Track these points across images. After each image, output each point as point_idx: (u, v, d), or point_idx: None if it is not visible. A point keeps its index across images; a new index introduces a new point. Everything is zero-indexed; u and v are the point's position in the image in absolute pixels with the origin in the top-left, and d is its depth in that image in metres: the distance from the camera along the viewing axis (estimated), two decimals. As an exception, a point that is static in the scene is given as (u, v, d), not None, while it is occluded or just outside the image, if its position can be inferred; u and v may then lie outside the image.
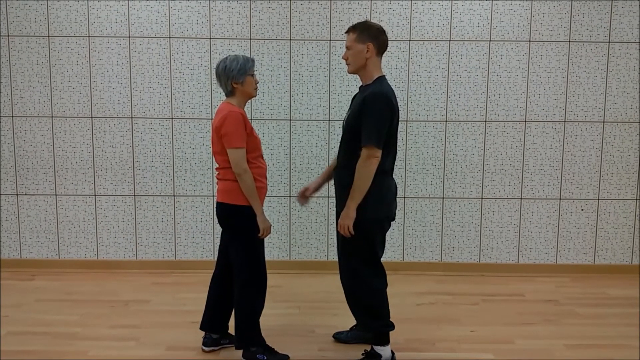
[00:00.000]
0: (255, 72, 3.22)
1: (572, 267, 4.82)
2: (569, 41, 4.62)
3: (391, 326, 3.23)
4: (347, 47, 3.11)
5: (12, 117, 4.66)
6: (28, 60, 4.62)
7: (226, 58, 3.15)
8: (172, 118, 4.66)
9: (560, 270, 4.81)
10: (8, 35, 4.59)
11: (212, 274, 3.45)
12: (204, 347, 3.39)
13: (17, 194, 4.75)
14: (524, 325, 3.82)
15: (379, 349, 3.21)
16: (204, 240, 4.79)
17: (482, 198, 4.77)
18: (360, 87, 3.18)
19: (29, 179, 4.73)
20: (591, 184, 4.76)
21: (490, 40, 4.61)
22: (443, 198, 4.78)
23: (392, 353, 3.25)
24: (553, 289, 4.49)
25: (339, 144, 3.27)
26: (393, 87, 4.57)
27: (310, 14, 4.58)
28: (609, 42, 4.61)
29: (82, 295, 4.27)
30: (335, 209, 3.31)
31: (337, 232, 3.18)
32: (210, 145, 4.66)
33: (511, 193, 4.77)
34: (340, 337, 3.56)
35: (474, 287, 4.53)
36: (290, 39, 4.60)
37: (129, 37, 4.60)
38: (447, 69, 4.65)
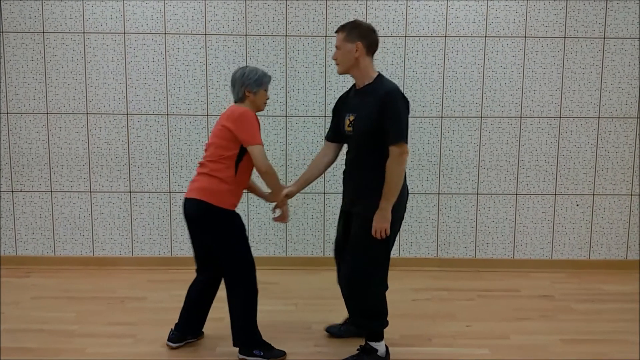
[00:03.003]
0: (267, 89, 3.28)
1: (567, 263, 4.84)
2: (565, 37, 4.62)
3: (387, 324, 3.24)
4: (336, 47, 3.10)
5: (7, 113, 4.65)
6: (23, 57, 4.60)
7: (246, 67, 3.24)
8: (167, 114, 4.66)
9: (556, 266, 4.83)
10: (2, 32, 4.57)
11: (193, 280, 3.44)
12: (171, 344, 3.40)
13: (12, 191, 4.74)
14: (519, 321, 3.84)
15: (374, 344, 3.22)
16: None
17: (477, 194, 4.78)
18: (357, 89, 3.13)
19: (24, 176, 4.72)
20: (586, 179, 4.77)
21: (485, 36, 4.61)
22: (439, 194, 4.78)
23: (386, 347, 3.26)
24: (548, 285, 4.51)
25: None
26: (389, 83, 4.60)
27: (306, 10, 4.57)
28: (604, 38, 4.62)
29: (78, 292, 4.27)
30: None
31: (343, 231, 3.20)
32: (206, 142, 4.67)
33: (507, 189, 4.78)
34: (333, 331, 3.58)
35: (469, 282, 4.54)
36: (286, 35, 4.59)
37: (124, 33, 4.58)
38: (442, 65, 4.65)
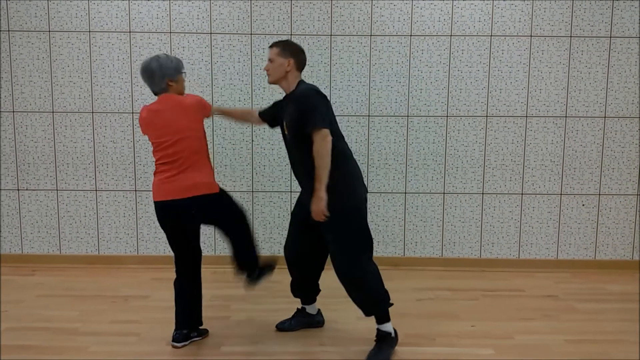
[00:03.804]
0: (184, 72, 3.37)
1: (572, 263, 4.82)
2: (570, 36, 4.60)
3: (391, 302, 3.33)
4: (269, 60, 3.33)
5: (13, 112, 4.67)
6: (29, 56, 4.62)
7: (158, 56, 3.27)
8: (172, 113, 4.66)
9: (561, 266, 4.81)
10: (9, 30, 4.58)
11: (177, 273, 3.49)
12: (176, 344, 3.41)
13: (18, 189, 4.76)
14: (523, 321, 3.83)
15: (385, 327, 3.32)
16: (204, 236, 4.80)
17: (483, 193, 4.77)
18: (285, 97, 3.38)
19: (30, 174, 4.74)
20: (592, 179, 4.75)
21: (491, 35, 4.60)
22: (444, 193, 4.77)
23: (393, 329, 3.36)
24: (553, 285, 4.49)
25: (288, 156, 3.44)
26: (394, 82, 4.61)
27: (311, 9, 4.57)
28: (610, 37, 4.60)
29: (82, 291, 4.28)
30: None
31: (324, 227, 3.22)
32: (211, 141, 4.67)
33: (512, 188, 4.76)
34: (284, 327, 3.64)
35: (474, 282, 4.53)
36: (291, 34, 4.59)
37: (130, 32, 4.59)
38: (448, 64, 4.64)
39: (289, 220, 4.75)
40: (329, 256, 3.44)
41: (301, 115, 3.13)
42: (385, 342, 3.32)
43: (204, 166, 3.29)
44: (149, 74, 3.24)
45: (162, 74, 3.23)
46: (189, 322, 3.45)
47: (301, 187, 3.40)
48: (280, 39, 4.58)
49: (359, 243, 3.23)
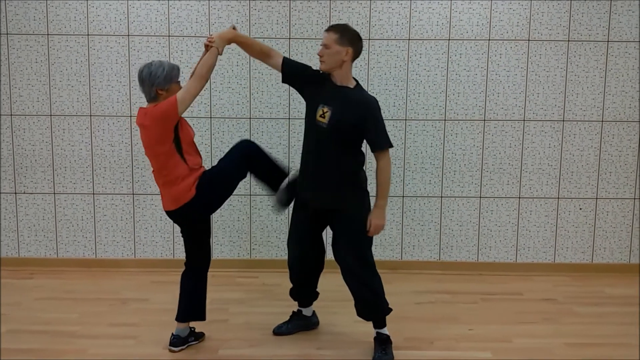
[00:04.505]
0: (179, 80, 3.25)
1: (570, 266, 4.83)
2: (568, 40, 4.62)
3: (390, 308, 3.40)
4: (324, 45, 3.16)
5: (11, 115, 4.66)
6: (27, 59, 4.62)
7: (151, 63, 3.19)
8: (171, 116, 4.66)
9: (559, 269, 4.82)
10: (7, 34, 4.58)
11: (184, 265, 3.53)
12: (173, 348, 3.40)
13: (15, 193, 4.75)
14: (522, 324, 3.83)
15: (384, 330, 3.37)
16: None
17: (480, 197, 4.78)
18: (335, 85, 3.22)
19: (27, 178, 4.73)
20: (589, 183, 4.77)
21: (489, 40, 4.62)
22: (441, 197, 4.78)
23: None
24: (551, 288, 4.50)
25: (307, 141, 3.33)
26: (392, 86, 4.62)
27: (310, 13, 4.58)
28: (607, 41, 4.62)
29: (80, 294, 4.27)
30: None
31: (345, 226, 3.25)
32: (209, 144, 4.68)
33: (509, 192, 4.77)
34: (281, 331, 3.63)
35: (472, 285, 4.53)
36: (289, 38, 4.60)
37: (128, 35, 4.60)
38: (446, 68, 4.65)
39: (287, 223, 4.75)
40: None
41: (362, 122, 3.15)
42: (387, 344, 3.35)
43: (176, 178, 3.20)
44: (140, 82, 3.20)
45: (150, 82, 3.15)
46: (186, 315, 3.44)
47: (306, 178, 3.31)
48: (279, 42, 4.59)
49: (368, 246, 3.32)
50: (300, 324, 3.68)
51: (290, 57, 4.55)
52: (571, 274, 4.77)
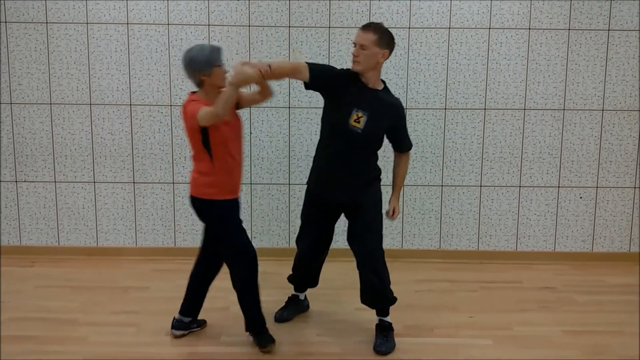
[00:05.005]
0: (223, 62, 3.11)
1: (570, 255, 4.84)
2: (569, 29, 4.61)
3: (395, 297, 3.45)
4: (361, 46, 3.05)
5: (11, 104, 4.65)
6: (26, 47, 4.60)
7: (192, 48, 3.08)
8: (171, 105, 4.66)
9: (559, 258, 4.83)
10: (6, 22, 4.56)
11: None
12: (175, 332, 3.42)
13: (16, 181, 4.75)
14: (522, 312, 3.85)
15: (387, 318, 3.42)
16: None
17: (481, 186, 4.78)
18: (367, 89, 3.14)
19: (28, 166, 4.73)
20: (590, 171, 4.77)
21: (490, 28, 4.60)
22: (442, 186, 4.78)
23: None
24: (551, 277, 4.51)
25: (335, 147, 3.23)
26: (393, 75, 4.62)
27: (310, 1, 4.56)
28: (608, 30, 4.60)
29: (82, 282, 4.28)
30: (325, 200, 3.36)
31: (366, 210, 3.28)
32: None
33: (510, 181, 4.78)
34: (283, 318, 3.66)
35: (472, 274, 4.55)
36: (289, 26, 4.59)
37: (128, 23, 4.58)
38: (446, 56, 4.64)
39: (287, 211, 4.77)
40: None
41: (393, 126, 3.24)
42: (390, 331, 3.38)
43: (199, 169, 3.16)
44: (184, 68, 3.09)
45: (192, 68, 3.04)
46: (188, 309, 3.46)
47: (329, 180, 3.28)
48: (279, 30, 4.57)
49: (382, 233, 3.38)
50: (297, 309, 3.75)
51: (291, 48, 4.57)
52: (571, 263, 4.79)
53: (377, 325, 3.41)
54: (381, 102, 3.15)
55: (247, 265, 3.24)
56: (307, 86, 3.12)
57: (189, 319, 3.46)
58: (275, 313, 3.69)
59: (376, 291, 3.33)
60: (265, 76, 2.93)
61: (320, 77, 3.11)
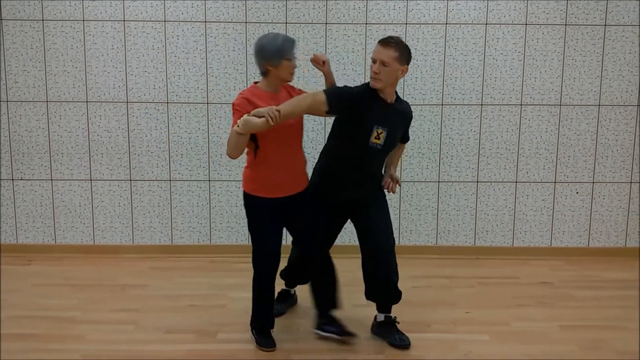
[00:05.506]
0: (294, 57, 3.04)
1: (566, 250, 4.86)
2: (565, 24, 4.61)
3: None
4: (382, 62, 2.99)
5: (7, 101, 4.64)
6: (22, 45, 4.59)
7: (266, 35, 3.03)
8: (167, 102, 4.65)
9: (555, 253, 4.85)
10: (1, 19, 4.55)
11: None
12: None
13: (12, 179, 4.74)
14: (519, 308, 3.86)
15: (390, 313, 3.44)
16: (200, 225, 4.80)
17: (477, 181, 4.79)
18: (386, 104, 3.12)
19: (24, 164, 4.72)
20: (586, 167, 4.78)
21: (486, 24, 4.60)
22: (439, 182, 4.79)
23: None
24: (548, 272, 4.52)
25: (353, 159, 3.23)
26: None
27: (306, -3, 4.56)
28: (605, 25, 4.61)
29: (79, 280, 4.28)
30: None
31: (373, 218, 3.31)
32: (206, 130, 4.67)
33: (506, 176, 4.79)
34: (277, 311, 3.63)
35: (469, 270, 4.56)
36: (286, 22, 4.58)
37: (124, 20, 4.57)
38: (443, 52, 4.64)
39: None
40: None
41: (407, 127, 3.39)
42: (395, 326, 3.42)
43: (247, 160, 3.16)
44: (253, 54, 3.03)
45: (260, 56, 2.99)
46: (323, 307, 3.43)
47: (346, 187, 3.27)
48: (275, 27, 4.56)
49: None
50: (289, 302, 3.82)
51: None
52: (567, 258, 4.80)
53: (382, 322, 3.42)
54: (397, 113, 3.19)
55: (258, 265, 3.24)
56: (327, 113, 3.07)
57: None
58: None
59: (394, 287, 3.37)
60: (274, 122, 2.86)
61: (339, 105, 3.04)
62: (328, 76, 3.34)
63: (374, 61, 3.04)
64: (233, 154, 2.96)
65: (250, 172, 3.15)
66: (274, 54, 2.97)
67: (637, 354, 3.28)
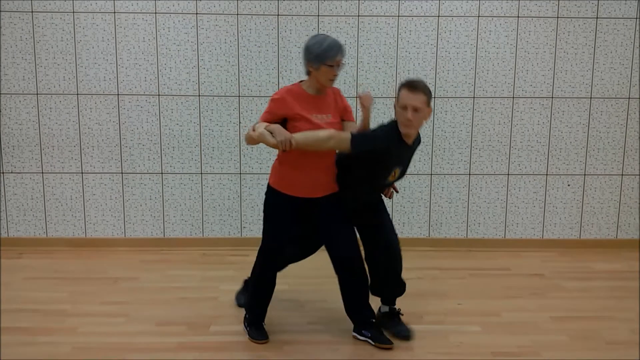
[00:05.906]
0: (338, 64, 2.97)
1: (558, 242, 4.88)
2: (557, 17, 4.62)
3: None
4: (415, 109, 2.90)
5: (-3, 94, 4.61)
6: (11, 37, 4.55)
7: (315, 36, 3.02)
8: (158, 95, 4.63)
9: (547, 245, 4.86)
10: (-9, 11, 4.52)
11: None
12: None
13: (2, 172, 4.71)
14: (510, 299, 3.87)
15: (395, 306, 3.46)
16: (192, 218, 4.79)
17: (469, 174, 4.80)
18: (406, 146, 3.06)
19: (14, 157, 4.69)
20: (577, 159, 4.79)
21: (478, 16, 4.60)
22: (431, 174, 4.79)
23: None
24: (539, 264, 4.54)
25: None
26: (382, 63, 4.61)
27: (298, -11, 4.54)
28: (596, 18, 4.62)
29: (70, 273, 4.26)
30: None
31: (381, 212, 3.38)
32: (198, 122, 4.66)
33: (498, 169, 4.79)
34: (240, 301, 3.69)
35: (461, 262, 4.57)
36: (278, 14, 4.56)
37: (114, 12, 4.54)
38: (435, 45, 4.63)
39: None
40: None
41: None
42: (399, 316, 3.45)
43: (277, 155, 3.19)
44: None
45: (304, 56, 2.99)
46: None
47: (361, 204, 3.33)
48: (267, 19, 4.54)
49: None
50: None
51: (279, 37, 4.55)
52: (559, 250, 4.82)
53: (386, 313, 3.43)
54: (411, 149, 3.17)
55: (263, 259, 3.26)
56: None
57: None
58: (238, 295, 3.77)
59: (401, 281, 3.39)
60: (285, 149, 2.86)
61: (362, 150, 3.01)
62: (366, 121, 3.13)
63: (403, 107, 2.92)
64: (248, 144, 3.14)
65: (279, 166, 3.17)
66: (315, 57, 2.95)
67: (627, 343, 3.29)
